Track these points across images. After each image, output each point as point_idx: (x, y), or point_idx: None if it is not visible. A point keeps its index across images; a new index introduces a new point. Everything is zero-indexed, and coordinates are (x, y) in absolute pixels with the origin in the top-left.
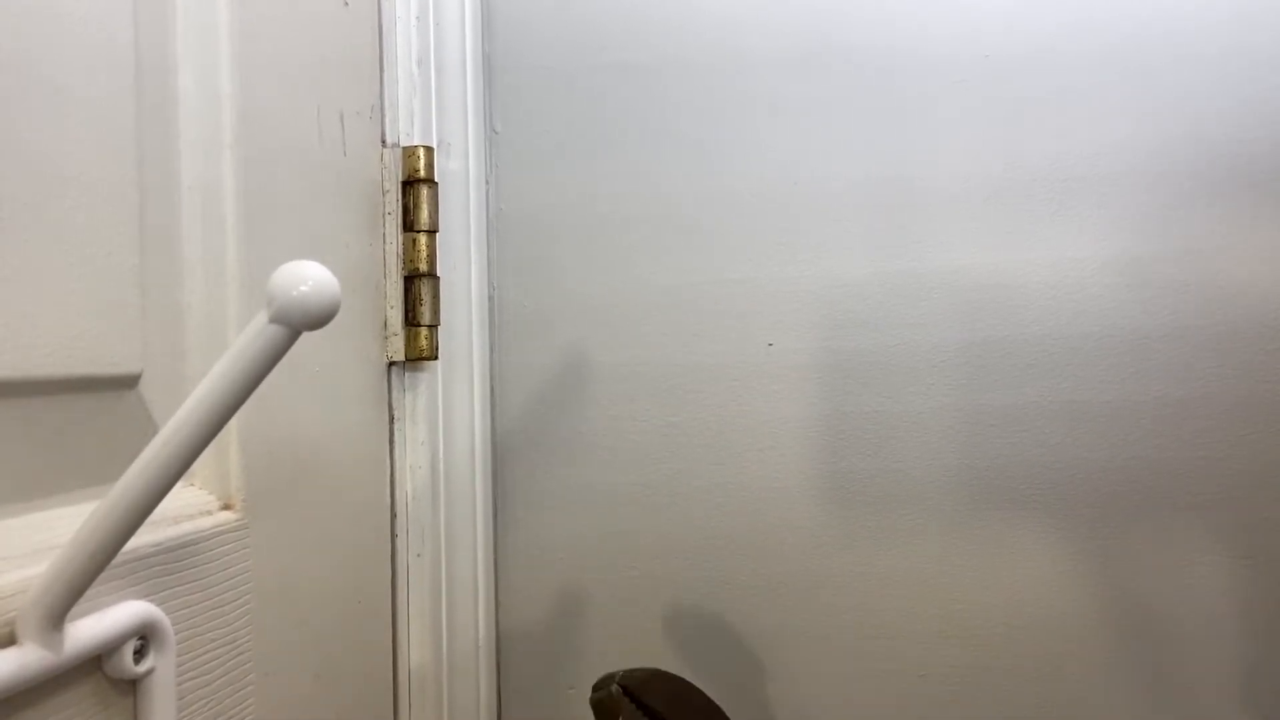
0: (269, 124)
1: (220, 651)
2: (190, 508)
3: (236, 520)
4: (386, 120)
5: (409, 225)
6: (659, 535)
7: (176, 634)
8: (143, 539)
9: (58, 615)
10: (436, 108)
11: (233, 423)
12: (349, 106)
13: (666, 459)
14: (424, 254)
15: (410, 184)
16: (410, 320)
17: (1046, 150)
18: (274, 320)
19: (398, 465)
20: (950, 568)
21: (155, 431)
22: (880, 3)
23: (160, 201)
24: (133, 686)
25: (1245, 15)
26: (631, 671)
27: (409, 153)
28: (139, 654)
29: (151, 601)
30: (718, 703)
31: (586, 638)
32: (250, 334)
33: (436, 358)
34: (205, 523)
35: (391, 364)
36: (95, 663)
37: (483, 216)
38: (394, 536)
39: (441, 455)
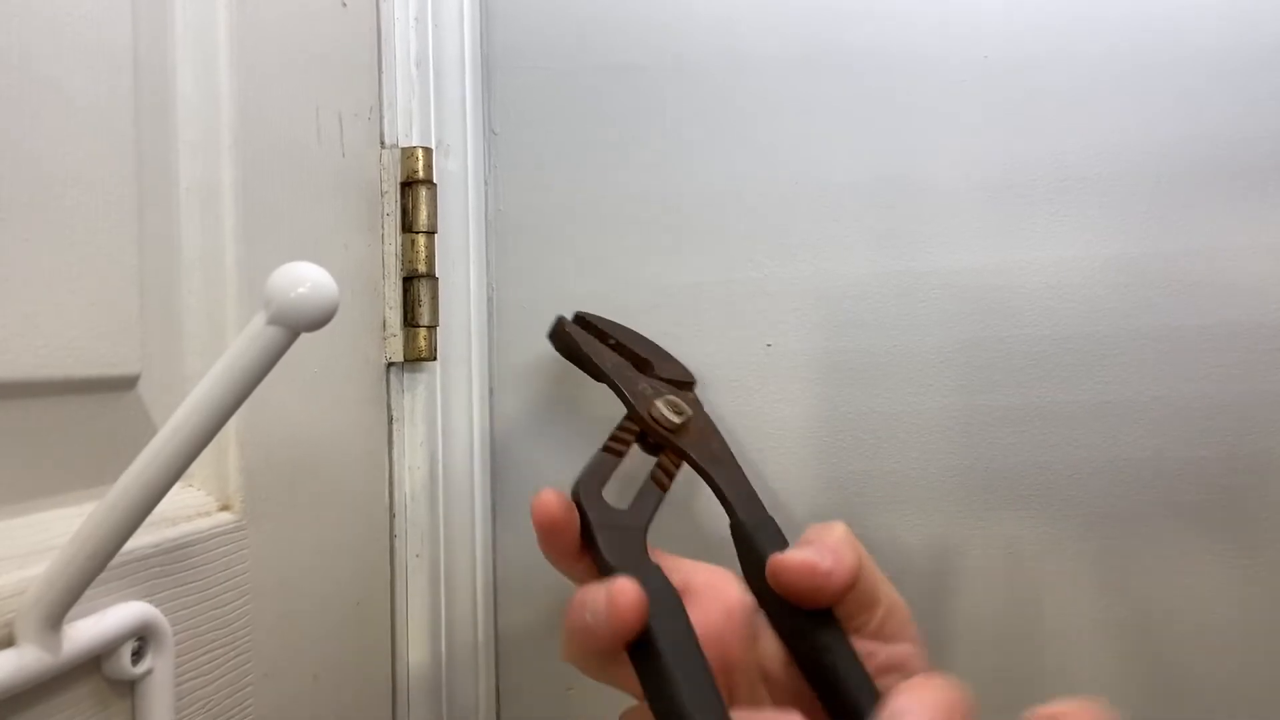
0: (268, 125)
1: (219, 652)
2: (188, 509)
3: (235, 521)
4: (385, 121)
5: (408, 226)
6: (657, 536)
7: (175, 635)
8: (141, 540)
9: (56, 616)
10: (435, 108)
11: (231, 424)
12: (347, 107)
13: None
14: (423, 255)
15: (409, 185)
16: (409, 321)
17: (1046, 150)
18: (272, 322)
19: (396, 466)
20: (950, 568)
21: (154, 432)
22: (880, 3)
23: (159, 202)
24: (131, 687)
25: (1246, 15)
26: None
27: (408, 153)
28: (137, 655)
29: (150, 602)
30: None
31: None
32: (248, 335)
33: (435, 358)
34: (203, 524)
35: (390, 365)
36: (94, 664)
37: (481, 217)
38: (393, 537)
39: (440, 456)
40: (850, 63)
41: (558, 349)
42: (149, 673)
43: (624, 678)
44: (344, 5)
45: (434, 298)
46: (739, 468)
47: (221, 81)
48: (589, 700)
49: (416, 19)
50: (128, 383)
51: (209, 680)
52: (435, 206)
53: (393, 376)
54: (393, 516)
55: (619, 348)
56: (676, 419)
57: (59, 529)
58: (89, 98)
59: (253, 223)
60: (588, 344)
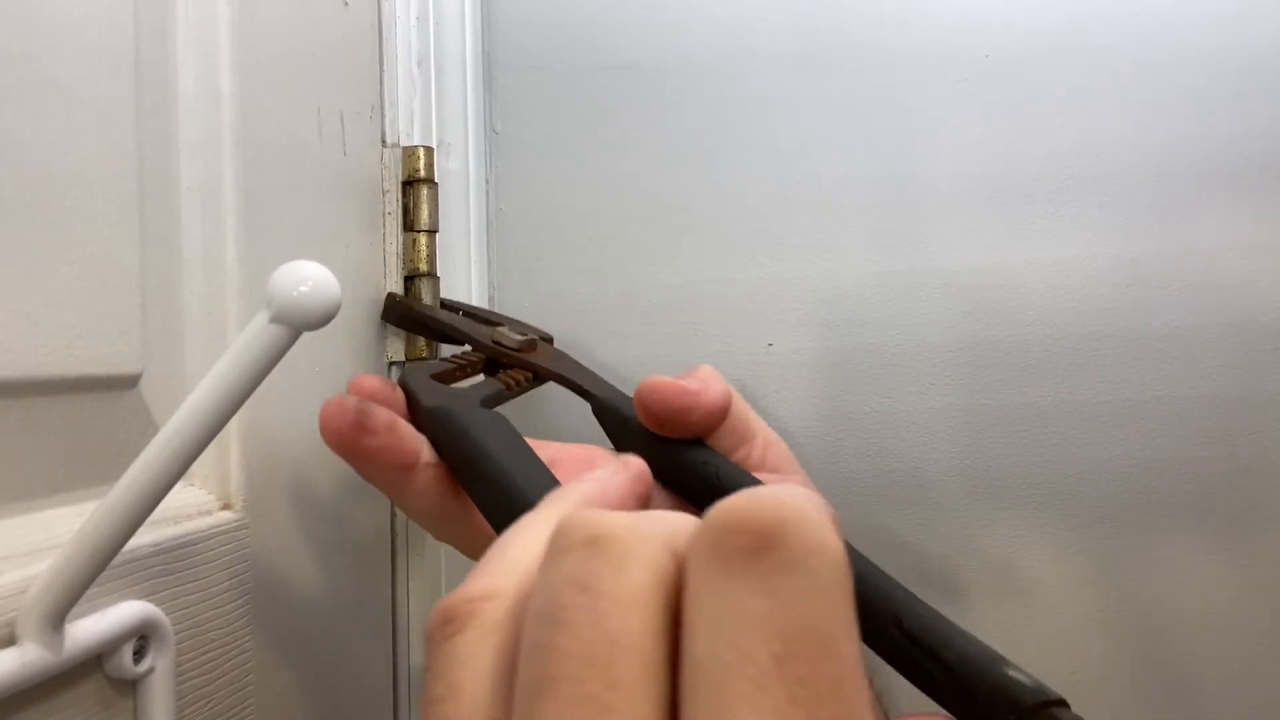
0: (269, 124)
1: (220, 651)
2: (190, 507)
3: (236, 520)
4: (386, 120)
5: (409, 225)
6: None
7: (176, 634)
8: (142, 539)
9: (58, 615)
10: (436, 108)
11: (232, 423)
12: (349, 107)
13: None
14: (424, 254)
15: (410, 184)
16: None
17: (1047, 150)
18: (274, 320)
19: None
20: (950, 568)
21: (155, 431)
22: (880, 3)
23: (160, 201)
24: (133, 686)
25: (1246, 14)
26: None
27: (409, 153)
28: (139, 654)
29: (151, 601)
30: None
31: None
32: (250, 334)
33: (436, 358)
34: (205, 522)
35: (391, 364)
36: (95, 663)
37: (483, 216)
38: (394, 536)
39: None
40: (850, 62)
41: (394, 322)
42: (150, 671)
43: (449, 515)
44: (345, 4)
45: (435, 297)
46: (596, 374)
47: (222, 81)
48: None
49: (418, 18)
50: (129, 381)
51: (210, 679)
52: (436, 206)
53: (394, 376)
54: (393, 516)
55: (471, 314)
56: (520, 337)
57: (60, 528)
58: (90, 97)
59: (254, 222)
60: (424, 308)
